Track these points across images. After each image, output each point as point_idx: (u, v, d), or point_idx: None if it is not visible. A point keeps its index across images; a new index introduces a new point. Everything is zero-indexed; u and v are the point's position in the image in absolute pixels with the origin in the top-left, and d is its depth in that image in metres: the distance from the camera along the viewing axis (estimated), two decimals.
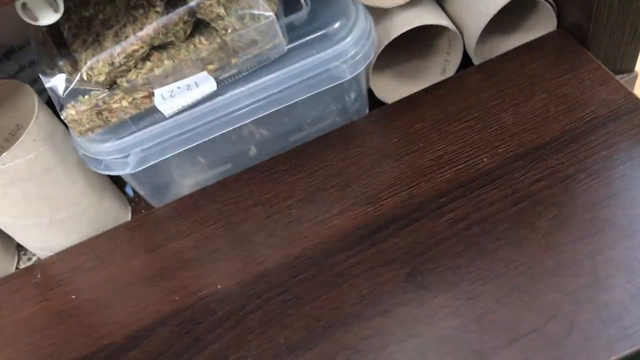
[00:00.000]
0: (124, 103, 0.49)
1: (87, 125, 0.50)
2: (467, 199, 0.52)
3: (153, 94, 0.50)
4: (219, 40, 0.49)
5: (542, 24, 0.62)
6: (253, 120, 0.54)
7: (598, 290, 0.45)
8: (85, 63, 0.47)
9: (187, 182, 0.61)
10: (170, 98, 0.50)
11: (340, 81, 0.54)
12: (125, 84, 0.48)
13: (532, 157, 0.53)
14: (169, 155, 0.54)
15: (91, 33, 0.48)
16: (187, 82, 0.50)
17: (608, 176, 0.50)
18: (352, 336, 0.46)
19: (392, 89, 0.63)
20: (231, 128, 0.54)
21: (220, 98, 0.52)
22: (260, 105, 0.53)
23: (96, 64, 0.47)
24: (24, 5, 0.40)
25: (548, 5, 0.60)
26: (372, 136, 0.58)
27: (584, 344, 0.43)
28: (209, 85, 0.51)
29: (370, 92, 0.61)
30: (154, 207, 0.61)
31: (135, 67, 0.48)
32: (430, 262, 0.49)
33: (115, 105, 0.49)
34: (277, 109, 0.54)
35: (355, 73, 0.54)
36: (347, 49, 0.53)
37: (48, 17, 0.42)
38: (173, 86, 0.50)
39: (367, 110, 0.61)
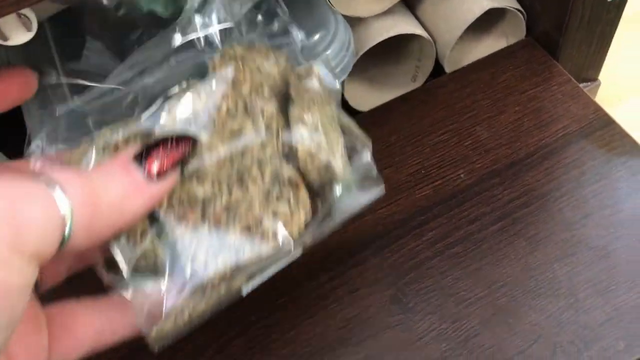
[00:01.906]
0: None
1: None
2: (447, 217, 0.52)
3: None
4: None
5: (511, 31, 0.63)
6: None
7: (578, 312, 0.46)
8: None
9: None
10: None
11: None
12: None
13: (508, 174, 0.54)
14: None
15: None
16: None
17: (582, 196, 0.52)
18: None
19: (362, 96, 0.62)
20: None
21: None
22: None
23: None
24: None
25: (518, 13, 0.60)
26: None
27: None
28: None
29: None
30: None
31: None
32: (415, 283, 0.49)
33: None
34: None
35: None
36: (327, 61, 0.51)
37: (21, 37, 0.38)
38: None
39: None
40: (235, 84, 0.38)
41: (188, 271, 0.35)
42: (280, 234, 0.37)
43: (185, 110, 0.37)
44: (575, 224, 0.50)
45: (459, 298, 0.48)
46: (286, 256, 0.39)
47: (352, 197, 0.41)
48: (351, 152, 0.41)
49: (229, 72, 0.38)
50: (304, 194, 0.38)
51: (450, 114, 0.58)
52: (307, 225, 0.38)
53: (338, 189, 0.39)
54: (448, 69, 0.62)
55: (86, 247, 0.29)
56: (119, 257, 0.35)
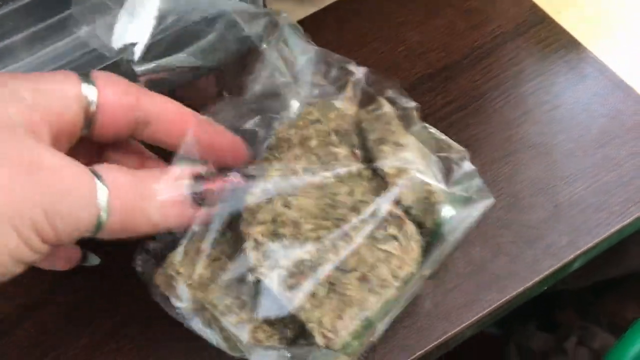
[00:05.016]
0: None
1: None
2: None
3: None
4: None
5: None
6: None
7: (520, 211, 0.44)
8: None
9: None
10: None
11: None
12: None
13: (442, 77, 0.51)
14: None
15: None
16: None
17: (519, 93, 0.49)
18: None
19: (287, 11, 0.58)
20: None
21: None
22: None
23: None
24: None
25: None
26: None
27: (509, 266, 0.43)
28: None
29: None
30: None
31: None
32: None
33: None
34: None
35: None
36: None
37: None
38: None
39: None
40: (302, 142, 0.37)
41: (319, 338, 0.33)
42: (400, 273, 0.35)
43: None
44: (514, 122, 0.48)
45: None
46: (411, 290, 0.37)
47: (461, 212, 0.37)
48: (449, 164, 0.39)
49: (292, 134, 0.37)
50: (410, 226, 0.35)
51: (381, 22, 0.55)
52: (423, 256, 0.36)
53: (444, 209, 0.36)
54: None
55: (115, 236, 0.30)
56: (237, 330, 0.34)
